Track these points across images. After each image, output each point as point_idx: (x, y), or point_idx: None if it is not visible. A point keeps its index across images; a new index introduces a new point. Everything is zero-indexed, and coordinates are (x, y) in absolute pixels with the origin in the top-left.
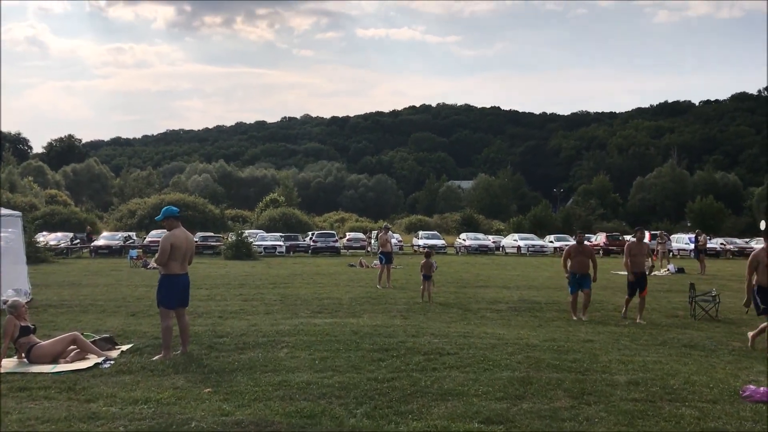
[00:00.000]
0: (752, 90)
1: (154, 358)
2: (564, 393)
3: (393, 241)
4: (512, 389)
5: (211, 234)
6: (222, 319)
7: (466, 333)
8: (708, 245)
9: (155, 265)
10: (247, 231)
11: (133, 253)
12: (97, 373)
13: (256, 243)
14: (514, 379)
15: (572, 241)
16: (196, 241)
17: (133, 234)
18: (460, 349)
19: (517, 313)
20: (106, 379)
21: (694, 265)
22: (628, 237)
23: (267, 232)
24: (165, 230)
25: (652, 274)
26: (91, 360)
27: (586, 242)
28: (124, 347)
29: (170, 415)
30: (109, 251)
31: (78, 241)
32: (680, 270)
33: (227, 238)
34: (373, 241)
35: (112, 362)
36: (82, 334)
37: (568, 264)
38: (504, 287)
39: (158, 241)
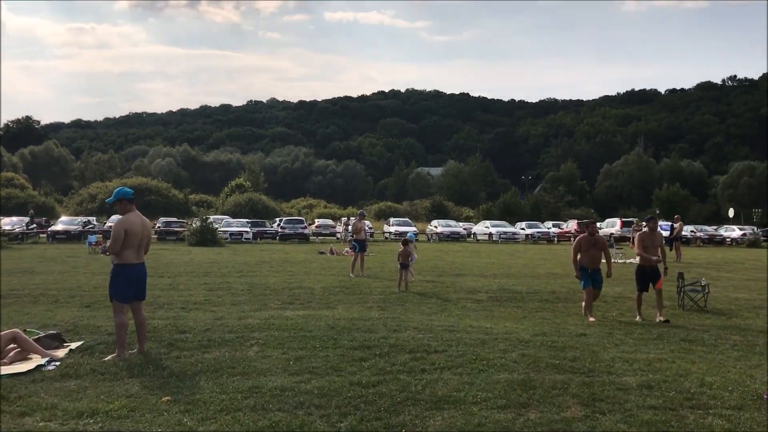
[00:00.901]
0: (717, 79)
1: (106, 359)
2: (573, 399)
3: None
4: (514, 395)
5: (175, 219)
6: (185, 311)
7: (451, 326)
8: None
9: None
10: (212, 216)
11: (92, 238)
12: (39, 377)
13: (222, 229)
14: (514, 382)
15: (542, 228)
16: (159, 227)
17: (93, 219)
18: (448, 345)
19: (498, 303)
20: (48, 385)
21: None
22: (598, 224)
23: (233, 218)
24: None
25: (628, 262)
26: (34, 361)
27: (557, 229)
28: (73, 345)
29: None
30: (67, 236)
31: (34, 225)
32: None
33: (191, 224)
34: (350, 228)
35: (57, 363)
36: (25, 331)
37: (578, 258)
38: (481, 275)
39: None
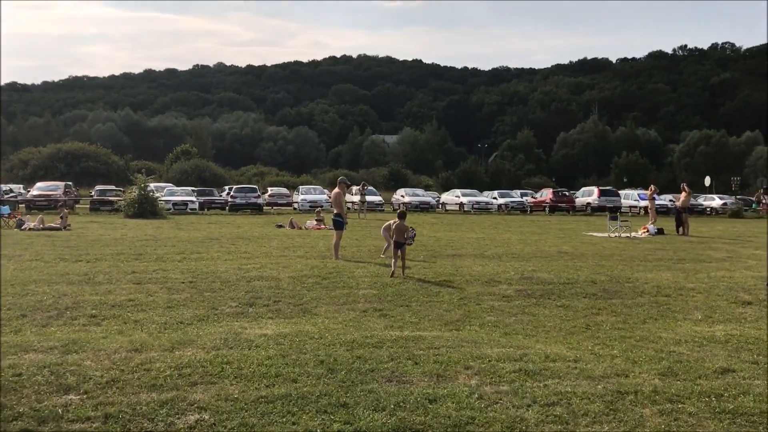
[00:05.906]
0: (668, 48)
1: None
2: None
3: (323, 197)
4: None
5: (111, 187)
6: (93, 322)
7: (519, 361)
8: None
9: (34, 225)
10: (152, 184)
11: (5, 209)
12: None
13: (164, 198)
14: None
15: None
16: (92, 195)
17: (20, 186)
18: (564, 424)
19: (534, 300)
20: None
21: (666, 224)
22: (572, 193)
23: (177, 186)
24: (57, 182)
25: (633, 236)
26: None
27: (530, 198)
28: None
29: None
30: None
31: None
32: (660, 231)
33: (129, 193)
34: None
35: None
36: None
37: None
38: (481, 256)
39: (47, 195)
